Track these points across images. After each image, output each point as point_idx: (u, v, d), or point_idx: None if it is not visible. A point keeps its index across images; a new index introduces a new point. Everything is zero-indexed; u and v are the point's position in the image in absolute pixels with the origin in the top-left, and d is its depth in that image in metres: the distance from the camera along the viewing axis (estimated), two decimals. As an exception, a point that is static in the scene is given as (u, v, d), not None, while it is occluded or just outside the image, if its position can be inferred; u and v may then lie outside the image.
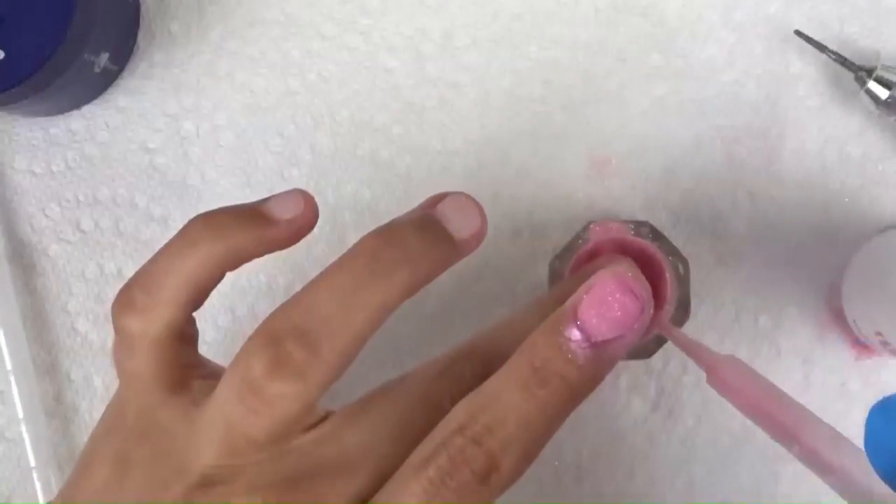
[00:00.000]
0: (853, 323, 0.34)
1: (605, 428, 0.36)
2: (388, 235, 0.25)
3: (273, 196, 0.27)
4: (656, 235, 0.32)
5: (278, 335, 0.23)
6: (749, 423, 0.25)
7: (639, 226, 0.32)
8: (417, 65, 0.37)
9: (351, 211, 0.37)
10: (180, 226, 0.26)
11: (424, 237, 0.25)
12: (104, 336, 0.38)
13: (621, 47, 0.37)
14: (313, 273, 0.37)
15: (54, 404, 0.37)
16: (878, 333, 0.32)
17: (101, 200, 0.38)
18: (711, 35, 0.37)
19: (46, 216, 0.38)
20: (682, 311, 0.31)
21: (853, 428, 0.36)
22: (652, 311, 0.25)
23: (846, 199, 0.36)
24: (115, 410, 0.26)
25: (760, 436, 0.24)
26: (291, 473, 0.23)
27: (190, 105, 0.38)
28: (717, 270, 0.36)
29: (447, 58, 0.37)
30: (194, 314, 0.27)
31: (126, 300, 0.25)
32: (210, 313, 0.37)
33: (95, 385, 0.38)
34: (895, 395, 0.20)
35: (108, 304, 0.37)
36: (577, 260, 0.32)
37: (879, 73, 0.34)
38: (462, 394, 0.24)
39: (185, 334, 0.26)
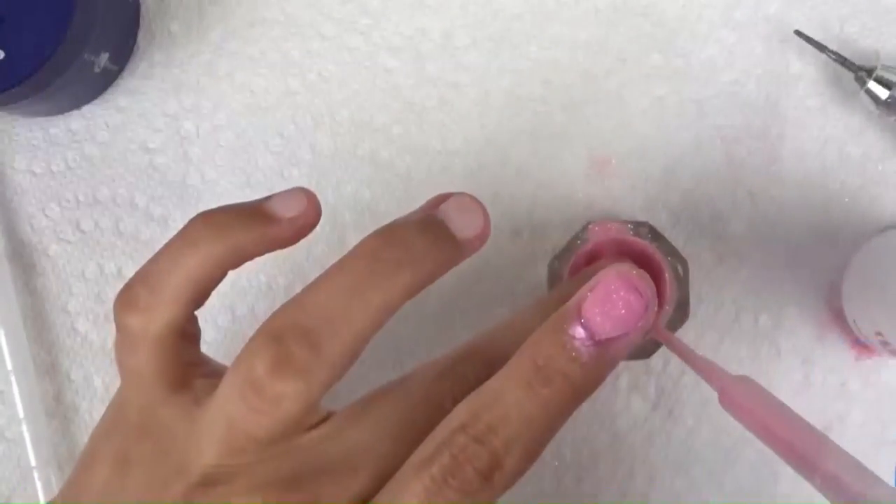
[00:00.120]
0: (853, 323, 0.34)
1: (605, 428, 0.36)
2: (391, 235, 0.25)
3: (275, 194, 0.27)
4: (655, 236, 0.32)
5: (281, 334, 0.23)
6: (747, 430, 0.25)
7: (638, 226, 0.32)
8: (417, 65, 0.37)
9: (351, 211, 0.37)
10: (180, 226, 0.26)
11: (427, 237, 0.25)
12: (104, 336, 0.38)
13: (621, 47, 0.37)
14: (313, 273, 0.37)
15: (54, 404, 0.37)
16: (878, 333, 0.32)
17: (101, 200, 0.38)
18: (711, 35, 0.37)
19: (46, 216, 0.38)
20: (682, 312, 0.31)
21: (853, 428, 0.36)
22: (656, 308, 0.25)
23: (846, 199, 0.36)
24: (117, 409, 0.26)
25: (760, 436, 0.24)
26: (293, 473, 0.23)
27: (190, 105, 0.38)
28: (717, 270, 0.36)
29: (447, 58, 0.37)
30: (196, 313, 0.27)
31: (128, 298, 0.25)
32: (210, 313, 0.37)
33: (95, 385, 0.38)
34: None
35: (109, 304, 0.37)
36: (576, 260, 0.32)
37: (879, 73, 0.34)
38: (464, 394, 0.24)
39: (187, 332, 0.26)
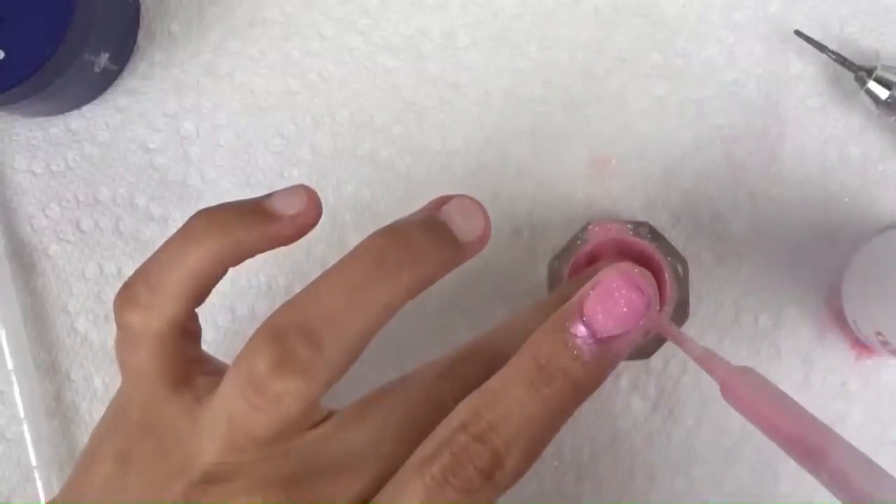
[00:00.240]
0: (853, 323, 0.34)
1: (605, 428, 0.36)
2: (393, 235, 0.25)
3: (276, 191, 0.27)
4: (655, 236, 0.32)
5: (282, 332, 0.23)
6: (750, 422, 0.24)
7: (638, 226, 0.32)
8: (417, 65, 0.37)
9: (351, 211, 0.37)
10: (180, 226, 0.26)
11: (430, 238, 0.25)
12: (104, 336, 0.38)
13: (621, 47, 0.37)
14: (313, 273, 0.37)
15: (54, 404, 0.37)
16: (879, 333, 0.32)
17: (101, 200, 0.38)
18: (711, 35, 0.37)
19: (46, 216, 0.38)
20: (682, 312, 0.31)
21: (853, 428, 0.36)
22: (658, 307, 0.25)
23: (846, 199, 0.36)
24: (118, 407, 0.26)
25: (760, 436, 0.24)
26: (294, 472, 0.23)
27: (190, 105, 0.38)
28: (717, 270, 0.36)
29: (447, 58, 0.37)
30: (195, 312, 0.27)
31: (128, 295, 0.25)
32: (210, 313, 0.37)
33: (95, 385, 0.38)
34: None
35: (109, 304, 0.37)
36: (576, 260, 0.32)
37: (879, 73, 0.34)
38: (465, 393, 0.24)
39: (188, 330, 0.26)
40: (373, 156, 0.37)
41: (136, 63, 0.38)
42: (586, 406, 0.24)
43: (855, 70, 0.34)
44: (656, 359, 0.36)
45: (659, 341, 0.31)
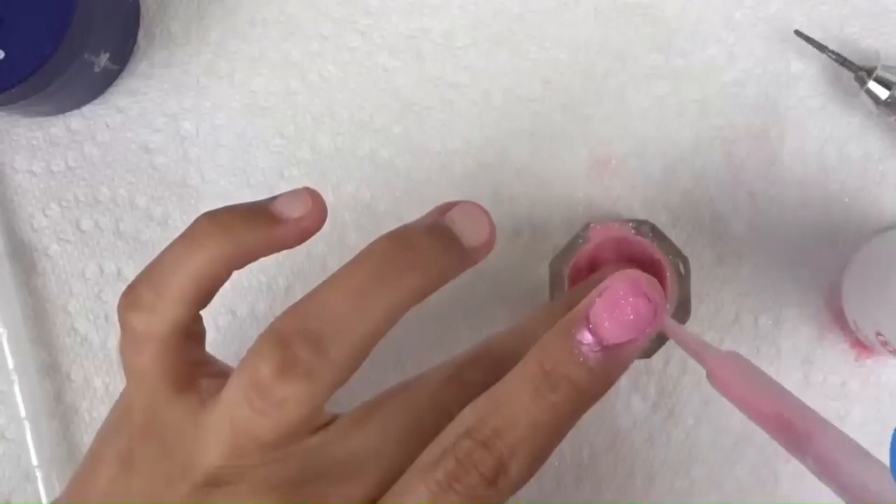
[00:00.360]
0: (853, 323, 0.34)
1: (605, 428, 0.36)
2: (398, 240, 0.25)
3: (281, 194, 0.27)
4: (657, 234, 0.32)
5: (287, 337, 0.23)
6: (750, 422, 0.24)
7: (639, 225, 0.32)
8: (417, 65, 0.37)
9: (351, 211, 0.37)
10: (180, 226, 0.26)
11: (435, 243, 0.25)
12: (104, 336, 0.37)
13: (621, 47, 0.37)
14: (313, 273, 0.38)
15: (55, 404, 0.37)
16: (879, 333, 0.32)
17: (101, 200, 0.38)
18: (711, 35, 0.37)
19: (46, 216, 0.38)
20: (683, 311, 0.31)
21: (853, 429, 0.36)
22: (664, 314, 0.24)
23: (846, 199, 0.36)
24: (122, 409, 0.26)
25: (760, 436, 0.24)
26: (298, 475, 0.23)
27: (190, 105, 0.38)
28: (717, 270, 0.36)
29: (447, 58, 0.37)
30: (200, 314, 0.27)
31: (132, 298, 0.25)
32: (210, 313, 0.36)
33: (95, 385, 0.37)
34: None
35: (109, 304, 0.37)
36: (577, 260, 0.32)
37: (879, 73, 0.34)
38: (470, 399, 0.24)
39: (192, 332, 0.26)
40: (373, 156, 0.37)
41: (136, 63, 0.38)
42: (587, 406, 0.24)
43: (855, 70, 0.34)
44: (656, 359, 0.36)
45: (659, 341, 0.31)
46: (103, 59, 0.35)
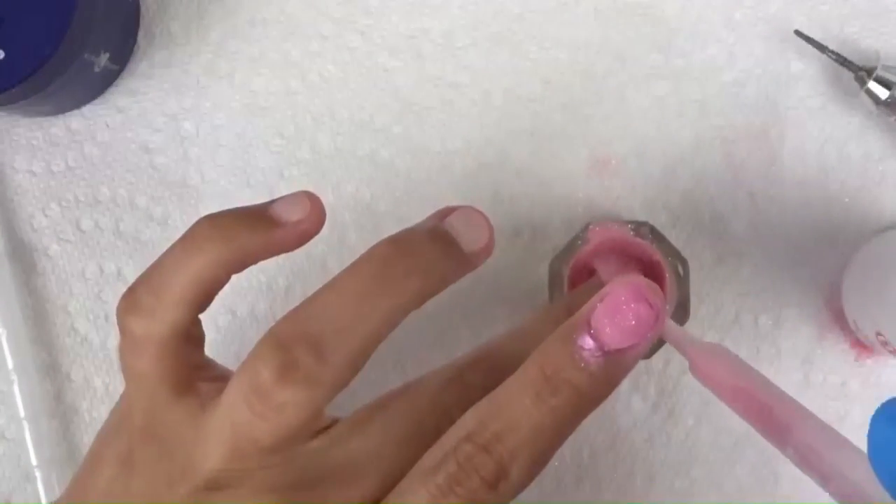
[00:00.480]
0: (853, 323, 0.34)
1: (605, 428, 0.36)
2: (398, 245, 0.25)
3: (279, 198, 0.27)
4: (656, 236, 0.32)
5: (287, 341, 0.23)
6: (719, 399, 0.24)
7: (638, 226, 0.32)
8: (417, 65, 0.37)
9: (351, 211, 0.37)
10: (180, 226, 0.26)
11: (435, 248, 0.25)
12: (104, 336, 0.37)
13: (621, 47, 0.37)
14: (313, 273, 0.38)
15: (54, 404, 0.37)
16: (879, 333, 0.32)
17: (101, 200, 0.38)
18: (711, 35, 0.37)
19: (46, 216, 0.38)
20: (682, 312, 0.31)
21: (853, 429, 0.36)
22: (666, 319, 0.24)
23: (846, 199, 0.36)
24: (122, 410, 0.26)
25: (761, 436, 0.24)
26: (298, 479, 0.23)
27: (190, 105, 0.38)
28: (717, 270, 0.36)
29: (447, 58, 0.37)
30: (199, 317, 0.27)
31: (131, 301, 0.25)
32: (210, 314, 0.36)
33: (95, 385, 0.37)
34: None
35: (109, 304, 0.37)
36: (576, 261, 0.32)
37: (879, 73, 0.34)
38: (471, 402, 0.24)
39: (191, 336, 0.26)
40: (373, 156, 0.37)
41: (136, 63, 0.38)
42: (587, 406, 0.24)
43: (855, 70, 0.34)
44: (656, 359, 0.36)
45: (659, 342, 0.31)
46: (103, 59, 0.35)
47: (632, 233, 0.32)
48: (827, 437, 0.22)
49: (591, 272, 0.32)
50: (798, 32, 0.35)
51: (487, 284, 0.37)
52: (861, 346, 0.36)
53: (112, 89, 0.38)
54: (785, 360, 0.36)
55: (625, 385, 0.36)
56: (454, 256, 0.26)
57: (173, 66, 0.38)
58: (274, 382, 0.22)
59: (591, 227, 0.32)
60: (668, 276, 0.31)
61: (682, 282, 0.32)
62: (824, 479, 0.22)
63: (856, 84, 0.34)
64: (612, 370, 0.23)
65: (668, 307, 0.31)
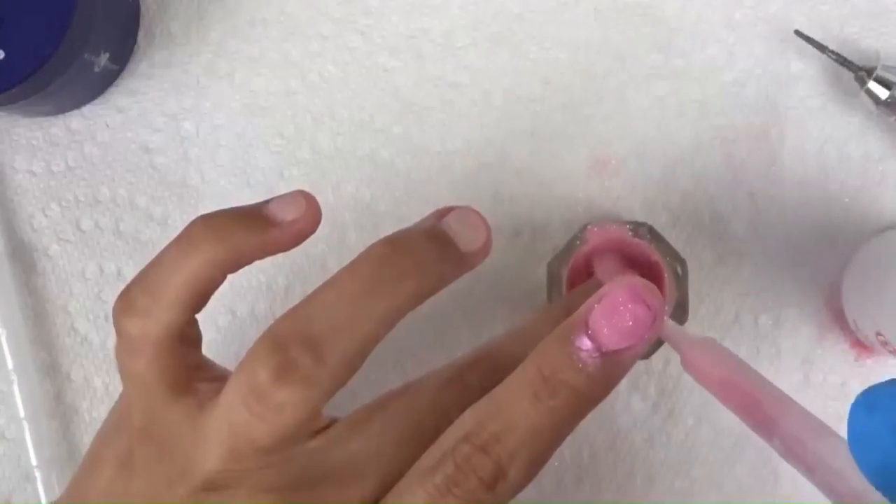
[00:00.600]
0: (853, 323, 0.34)
1: (605, 428, 0.36)
2: (396, 245, 0.25)
3: (275, 197, 0.27)
4: (654, 236, 0.32)
5: (284, 341, 0.23)
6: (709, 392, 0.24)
7: (637, 227, 0.32)
8: (417, 65, 0.37)
9: (351, 211, 0.37)
10: (180, 226, 0.26)
11: (433, 248, 0.25)
12: (104, 336, 0.38)
13: (621, 47, 0.37)
14: (313, 273, 0.38)
15: (54, 404, 0.37)
16: (879, 333, 0.32)
17: (101, 200, 0.38)
18: (711, 35, 0.37)
19: (46, 216, 0.38)
20: (681, 312, 0.31)
21: (853, 428, 0.36)
22: (664, 320, 0.24)
23: (846, 199, 0.36)
24: (121, 410, 0.26)
25: (760, 437, 0.24)
26: (296, 479, 0.23)
27: (190, 105, 0.38)
28: (717, 270, 0.36)
29: (447, 58, 0.37)
30: (195, 316, 0.27)
31: (127, 302, 0.25)
32: (210, 314, 0.37)
33: (95, 385, 0.38)
34: (877, 387, 0.19)
35: (109, 304, 0.37)
36: (575, 261, 0.32)
37: (879, 73, 0.34)
38: (469, 402, 0.24)
39: (188, 336, 0.26)
40: (373, 156, 0.37)
41: (136, 63, 0.38)
42: (587, 406, 0.24)
43: (855, 70, 0.34)
44: (656, 359, 0.36)
45: (658, 342, 0.31)
46: (103, 59, 0.35)
47: (630, 233, 0.32)
48: (811, 426, 0.22)
49: (590, 273, 0.32)
50: (798, 32, 0.35)
51: (487, 284, 0.37)
52: (861, 346, 0.36)
53: (112, 89, 0.38)
54: (785, 360, 0.36)
55: (625, 385, 0.36)
56: (451, 257, 0.26)
57: (173, 66, 0.38)
58: (271, 383, 0.22)
59: (589, 227, 0.32)
60: (667, 277, 0.31)
61: (681, 282, 0.32)
62: (809, 469, 0.22)
63: (856, 84, 0.34)
64: (609, 371, 0.23)
65: (666, 307, 0.31)
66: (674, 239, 0.35)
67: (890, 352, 0.32)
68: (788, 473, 0.36)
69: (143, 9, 0.38)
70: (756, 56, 0.36)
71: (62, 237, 0.38)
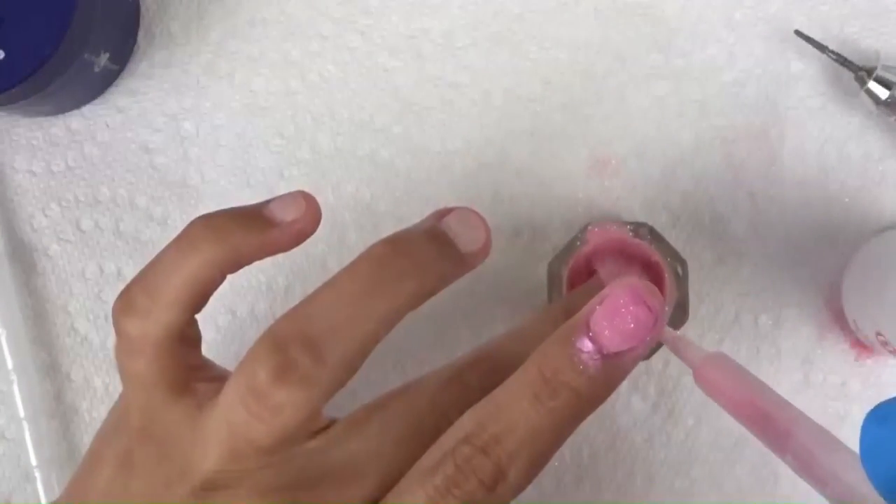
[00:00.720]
0: (853, 323, 0.34)
1: (605, 428, 0.36)
2: (396, 246, 0.25)
3: (275, 198, 0.27)
4: (655, 236, 0.32)
5: (284, 341, 0.23)
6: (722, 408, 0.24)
7: (637, 227, 0.32)
8: (417, 65, 0.37)
9: (351, 211, 0.37)
10: (180, 226, 0.26)
11: (432, 248, 0.25)
12: (104, 336, 0.38)
13: (621, 47, 0.37)
14: (313, 273, 0.38)
15: (54, 404, 0.37)
16: (879, 333, 0.32)
17: (101, 200, 0.38)
18: (711, 35, 0.37)
19: (46, 216, 0.38)
20: (681, 312, 0.32)
21: (853, 428, 0.36)
22: (665, 322, 0.24)
23: (846, 199, 0.36)
24: (120, 410, 0.26)
25: (760, 436, 0.24)
26: (296, 479, 0.23)
27: (190, 105, 0.38)
28: (717, 270, 0.36)
29: (447, 58, 0.37)
30: (195, 316, 0.27)
31: (126, 302, 0.25)
32: (210, 314, 0.37)
33: (95, 385, 0.38)
34: (890, 402, 0.19)
35: (109, 305, 0.37)
36: (575, 262, 0.32)
37: (879, 73, 0.34)
38: (469, 403, 0.24)
39: (187, 336, 0.26)
40: (373, 156, 0.37)
41: (136, 63, 0.38)
42: (586, 406, 0.24)
43: (855, 70, 0.34)
44: (656, 359, 0.36)
45: (659, 343, 0.31)
46: (103, 59, 0.35)
47: (630, 233, 0.32)
48: (824, 441, 0.22)
49: (590, 273, 0.32)
50: (798, 32, 0.35)
51: (487, 284, 0.37)
52: (861, 346, 0.36)
53: (112, 89, 0.38)
54: (785, 360, 0.36)
55: (625, 385, 0.36)
56: (451, 257, 0.26)
57: (173, 66, 0.38)
58: (271, 383, 0.22)
59: (589, 227, 0.32)
60: (668, 277, 0.31)
61: (682, 282, 0.32)
62: (821, 483, 0.22)
63: (856, 84, 0.34)
64: (610, 373, 0.23)
65: (667, 308, 0.31)
66: (674, 239, 0.35)
67: (890, 352, 0.32)
68: (788, 473, 0.36)
69: (143, 9, 0.38)
70: (756, 56, 0.36)
71: (62, 237, 0.38)
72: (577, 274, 0.32)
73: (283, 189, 0.37)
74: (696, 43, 0.37)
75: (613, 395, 0.24)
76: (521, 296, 0.37)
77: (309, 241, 0.27)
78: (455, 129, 0.37)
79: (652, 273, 0.32)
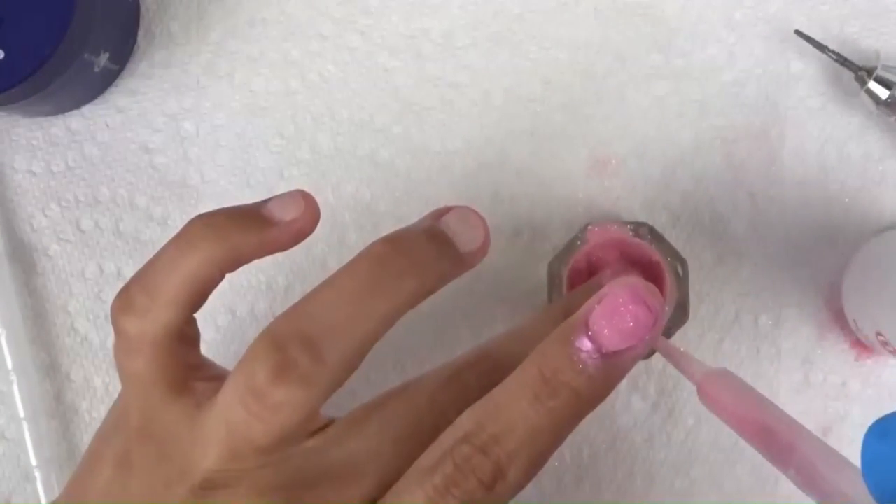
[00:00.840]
0: (853, 323, 0.34)
1: (605, 428, 0.36)
2: (394, 245, 0.25)
3: (273, 197, 0.27)
4: (655, 236, 0.32)
5: (283, 341, 0.23)
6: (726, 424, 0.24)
7: (637, 227, 0.32)
8: (417, 65, 0.37)
9: (351, 211, 0.37)
10: (180, 226, 0.26)
11: (431, 247, 0.25)
12: (104, 336, 0.38)
13: (621, 47, 0.37)
14: (313, 273, 0.38)
15: (54, 404, 0.37)
16: (879, 333, 0.32)
17: (101, 200, 0.38)
18: (711, 35, 0.37)
19: (46, 216, 0.38)
20: (681, 313, 0.31)
21: (853, 429, 0.36)
22: (664, 321, 0.24)
23: (846, 199, 0.36)
24: (119, 410, 0.26)
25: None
26: (295, 478, 0.23)
27: (190, 105, 0.38)
28: (717, 270, 0.36)
29: (447, 58, 0.37)
30: (194, 315, 0.27)
31: (125, 301, 0.25)
32: (210, 313, 0.37)
33: (95, 385, 0.38)
34: (891, 416, 0.19)
35: (108, 304, 0.37)
36: (575, 262, 0.32)
37: (879, 73, 0.34)
38: (468, 402, 0.24)
39: (186, 335, 0.26)
40: (373, 156, 0.37)
41: (136, 63, 0.38)
42: (586, 406, 0.24)
43: (855, 70, 0.34)
44: (656, 359, 0.36)
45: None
46: (103, 59, 0.35)
47: (631, 233, 0.32)
48: (827, 456, 0.22)
49: (590, 273, 0.32)
50: (798, 32, 0.35)
51: (487, 284, 0.37)
52: (861, 346, 0.36)
53: (112, 89, 0.38)
54: (785, 360, 0.36)
55: (625, 385, 0.36)
56: (450, 256, 0.26)
57: (173, 66, 0.38)
58: (270, 382, 0.22)
59: (589, 227, 0.32)
60: (668, 277, 0.31)
61: (682, 282, 0.32)
62: (824, 497, 0.22)
63: (856, 84, 0.34)
64: (609, 372, 0.23)
65: (667, 308, 0.31)
66: (674, 239, 0.35)
67: (890, 352, 0.32)
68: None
69: (143, 9, 0.38)
70: (756, 56, 0.36)
71: (62, 237, 0.38)
72: (576, 274, 0.32)
73: (283, 189, 0.37)
74: (696, 43, 0.37)
75: (613, 395, 0.24)
76: (521, 296, 0.37)
77: (309, 240, 0.27)
78: (455, 129, 0.37)
79: (652, 273, 0.32)
